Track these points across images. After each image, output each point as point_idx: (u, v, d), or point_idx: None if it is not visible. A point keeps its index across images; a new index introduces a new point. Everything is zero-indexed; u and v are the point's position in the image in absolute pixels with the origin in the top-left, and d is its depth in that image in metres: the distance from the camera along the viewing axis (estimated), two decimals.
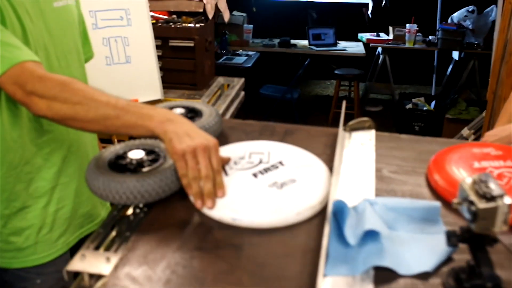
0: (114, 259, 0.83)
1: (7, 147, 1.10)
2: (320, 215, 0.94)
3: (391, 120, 5.29)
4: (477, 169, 0.99)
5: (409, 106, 4.84)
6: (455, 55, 5.12)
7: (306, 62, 5.19)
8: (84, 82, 1.29)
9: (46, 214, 1.20)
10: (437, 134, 4.44)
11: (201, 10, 2.86)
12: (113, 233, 0.93)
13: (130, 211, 0.98)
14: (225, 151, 1.13)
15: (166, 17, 2.88)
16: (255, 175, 1.03)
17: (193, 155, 0.91)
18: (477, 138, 3.15)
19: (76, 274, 0.84)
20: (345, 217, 0.86)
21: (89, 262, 0.83)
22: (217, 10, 3.00)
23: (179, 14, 2.88)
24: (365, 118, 1.21)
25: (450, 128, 4.20)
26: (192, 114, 1.21)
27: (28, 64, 0.99)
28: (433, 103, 4.90)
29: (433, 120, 4.63)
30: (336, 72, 5.14)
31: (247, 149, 1.14)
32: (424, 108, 4.77)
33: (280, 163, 1.08)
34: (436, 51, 5.41)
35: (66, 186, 1.23)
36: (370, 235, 0.83)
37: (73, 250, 1.27)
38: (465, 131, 3.10)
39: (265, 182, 1.01)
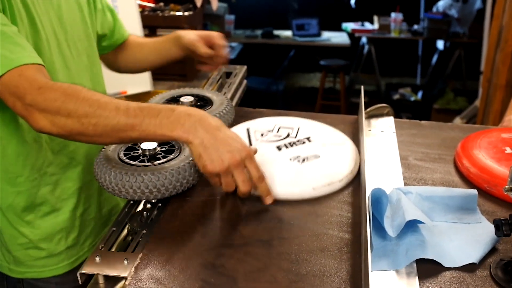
0: (133, 259, 0.76)
1: (28, 149, 1.00)
2: (347, 205, 0.88)
3: None
4: (510, 155, 0.94)
5: (396, 96, 4.83)
6: (440, 44, 5.12)
7: (291, 53, 5.13)
8: (98, 70, 1.19)
9: (75, 216, 1.10)
10: None
11: None
12: (127, 232, 0.85)
13: (141, 207, 0.91)
14: (255, 124, 1.13)
15: (153, 5, 2.78)
16: (279, 148, 1.03)
17: (227, 173, 0.83)
18: None
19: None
20: (382, 208, 0.80)
21: (106, 264, 0.75)
22: None
23: (166, 2, 2.79)
24: (384, 105, 1.16)
25: (438, 118, 4.18)
26: (202, 102, 1.14)
27: (27, 70, 0.85)
28: (419, 93, 4.90)
29: (420, 110, 4.62)
30: (321, 63, 5.09)
31: (277, 122, 1.13)
32: (412, 99, 4.77)
33: (308, 139, 1.06)
34: (420, 41, 5.41)
35: (90, 185, 1.13)
36: (409, 226, 0.77)
37: None
38: (458, 120, 3.09)
39: (287, 156, 1.00)
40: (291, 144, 1.04)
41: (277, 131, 1.09)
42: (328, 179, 0.93)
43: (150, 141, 0.88)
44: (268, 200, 0.87)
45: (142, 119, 0.82)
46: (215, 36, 1.22)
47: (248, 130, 1.10)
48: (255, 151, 0.90)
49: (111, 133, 0.83)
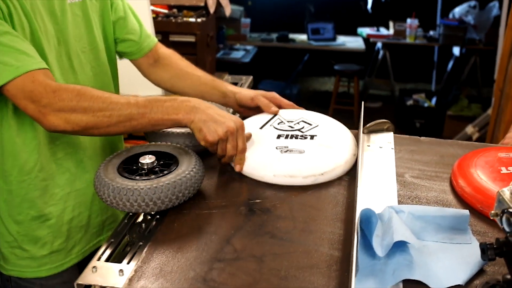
0: (128, 271, 0.78)
1: (17, 150, 1.04)
2: (340, 222, 0.90)
3: (390, 116, 5.21)
4: (505, 175, 0.94)
5: (410, 102, 4.80)
6: (456, 51, 5.07)
7: (305, 57, 5.13)
8: (107, 80, 1.22)
9: (62, 222, 1.13)
10: (438, 131, 4.39)
11: (202, 4, 2.80)
12: (125, 243, 0.88)
13: (140, 219, 0.94)
14: (283, 112, 1.21)
15: (166, 11, 2.81)
16: (279, 136, 1.10)
17: (223, 140, 0.99)
18: (482, 136, 3.12)
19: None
20: (372, 227, 0.81)
21: (101, 275, 0.78)
22: (218, 4, 2.94)
23: (180, 8, 2.82)
24: (384, 120, 1.17)
25: (451, 125, 4.16)
26: None
27: (38, 75, 0.93)
28: (433, 100, 4.86)
29: (434, 117, 4.58)
30: (335, 67, 5.09)
31: (302, 115, 1.19)
32: (425, 105, 4.73)
33: (312, 137, 1.10)
34: (436, 47, 5.37)
35: (82, 193, 1.16)
36: (398, 246, 0.78)
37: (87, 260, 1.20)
38: (469, 129, 3.07)
39: (277, 144, 1.07)
40: (292, 137, 1.10)
41: (296, 123, 1.15)
42: (292, 172, 0.99)
43: (157, 127, 1.00)
44: (237, 168, 1.03)
45: (151, 108, 0.96)
46: (275, 95, 1.25)
47: (272, 116, 1.19)
48: (249, 136, 1.07)
49: (124, 122, 0.96)
